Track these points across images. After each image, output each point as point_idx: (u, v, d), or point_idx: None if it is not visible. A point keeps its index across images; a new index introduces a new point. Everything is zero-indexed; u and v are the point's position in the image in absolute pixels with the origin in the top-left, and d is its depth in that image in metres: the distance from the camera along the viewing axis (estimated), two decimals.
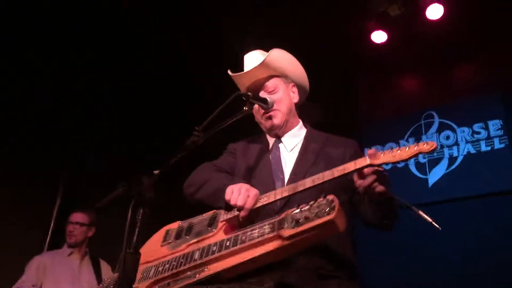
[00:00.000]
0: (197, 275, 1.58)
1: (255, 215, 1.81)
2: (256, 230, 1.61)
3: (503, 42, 4.98)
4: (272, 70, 2.27)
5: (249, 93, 2.08)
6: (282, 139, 2.27)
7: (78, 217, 4.25)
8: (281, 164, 2.15)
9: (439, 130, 5.03)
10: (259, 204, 1.81)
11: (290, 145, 2.24)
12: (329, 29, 5.08)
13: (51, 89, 4.62)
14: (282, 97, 2.27)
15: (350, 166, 1.71)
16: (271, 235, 1.54)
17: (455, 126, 4.96)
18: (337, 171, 1.72)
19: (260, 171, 2.16)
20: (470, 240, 4.30)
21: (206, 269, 1.59)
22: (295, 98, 2.35)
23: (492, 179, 4.49)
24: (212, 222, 1.84)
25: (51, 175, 4.65)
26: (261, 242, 1.56)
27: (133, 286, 1.62)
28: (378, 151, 1.74)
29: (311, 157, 2.14)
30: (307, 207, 1.53)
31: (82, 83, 4.86)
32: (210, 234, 1.78)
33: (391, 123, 5.40)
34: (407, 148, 1.67)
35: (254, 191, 1.83)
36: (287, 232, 1.50)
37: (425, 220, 2.03)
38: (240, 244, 1.59)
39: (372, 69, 5.70)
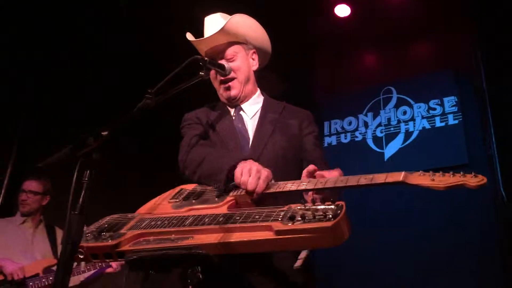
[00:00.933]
0: (179, 241, 1.53)
1: (266, 197, 1.74)
2: (253, 214, 1.53)
3: (460, 21, 5.10)
4: (233, 36, 2.23)
5: (206, 58, 2.04)
6: (243, 106, 2.25)
7: (31, 185, 4.09)
8: (246, 129, 2.16)
9: (397, 105, 5.14)
10: (271, 190, 1.72)
11: (251, 112, 2.24)
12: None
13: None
14: (241, 65, 2.23)
15: (380, 178, 1.56)
16: (263, 224, 1.46)
17: (412, 102, 5.08)
18: (364, 179, 1.58)
19: (229, 138, 2.13)
20: (424, 212, 4.45)
21: (190, 238, 1.54)
22: (255, 65, 2.32)
23: (445, 154, 4.64)
24: (222, 194, 1.79)
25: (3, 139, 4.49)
26: (251, 228, 1.48)
27: (121, 231, 1.64)
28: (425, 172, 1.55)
29: (269, 127, 2.14)
30: (312, 207, 1.43)
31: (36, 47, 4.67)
32: (214, 205, 1.73)
33: (350, 97, 5.47)
34: (451, 176, 1.47)
35: (265, 173, 1.73)
36: (278, 226, 1.41)
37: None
38: (230, 224, 1.53)
39: (334, 43, 5.72)
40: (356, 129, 5.26)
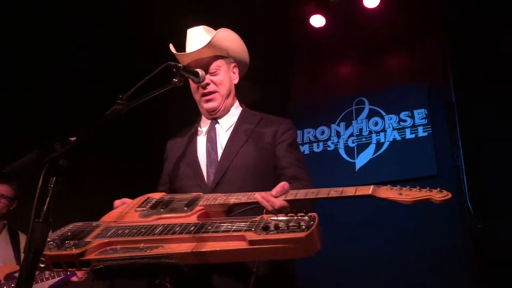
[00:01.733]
0: (148, 251, 1.51)
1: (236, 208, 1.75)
2: (225, 224, 1.53)
3: (432, 35, 5.23)
4: (217, 50, 2.23)
5: (180, 65, 2.03)
6: (219, 120, 2.26)
7: (2, 189, 3.98)
8: (216, 145, 2.16)
9: (369, 116, 5.21)
10: (234, 201, 1.72)
11: (226, 125, 2.24)
12: (268, 9, 5.07)
13: None
14: (223, 79, 2.24)
15: (350, 191, 1.59)
16: (236, 233, 1.46)
17: (383, 113, 5.15)
18: (334, 192, 1.61)
19: (189, 156, 2.17)
20: (389, 225, 4.51)
21: (160, 247, 1.52)
22: (235, 79, 2.33)
23: (414, 165, 4.72)
24: (191, 204, 1.78)
25: None
26: (224, 237, 1.48)
27: (86, 240, 1.61)
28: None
29: (243, 137, 2.15)
30: (285, 218, 1.44)
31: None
32: (183, 215, 1.72)
33: (323, 107, 5.52)
34: (418, 190, 1.53)
35: None
36: (251, 236, 1.41)
37: None
38: (203, 233, 1.51)
39: (308, 53, 5.78)
40: (329, 139, 5.31)
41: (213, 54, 2.23)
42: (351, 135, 5.20)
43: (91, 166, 4.67)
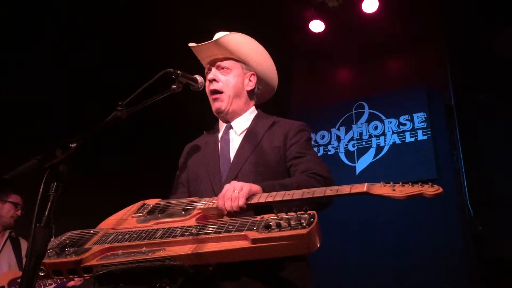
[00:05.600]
0: (151, 254, 1.54)
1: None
2: (226, 225, 1.55)
3: (430, 38, 5.25)
4: (229, 52, 2.25)
5: (178, 71, 2.05)
6: (232, 123, 2.27)
7: (18, 198, 4.03)
8: (229, 150, 2.17)
9: (369, 120, 5.23)
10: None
11: (239, 129, 2.25)
12: (268, 14, 5.11)
13: None
14: (232, 80, 2.24)
15: (345, 189, 1.62)
16: (238, 233, 1.49)
17: (383, 117, 5.17)
18: (330, 190, 1.64)
19: (205, 160, 2.18)
20: (389, 226, 4.52)
21: (162, 250, 1.54)
22: (250, 86, 2.31)
23: (414, 168, 4.73)
24: (189, 208, 1.80)
25: None
26: (225, 238, 1.50)
27: (86, 247, 1.63)
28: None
29: (254, 141, 2.15)
30: (285, 216, 1.48)
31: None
32: (181, 218, 1.74)
33: (323, 111, 5.54)
34: (410, 186, 1.56)
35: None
36: (254, 234, 1.44)
37: None
38: (205, 235, 1.54)
39: (307, 58, 5.81)
40: (329, 143, 5.33)
41: (228, 56, 2.26)
42: (351, 139, 5.22)
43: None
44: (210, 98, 2.27)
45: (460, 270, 4.15)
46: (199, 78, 2.19)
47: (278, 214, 1.50)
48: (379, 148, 5.04)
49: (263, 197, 1.71)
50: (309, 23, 5.51)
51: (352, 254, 4.56)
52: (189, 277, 1.52)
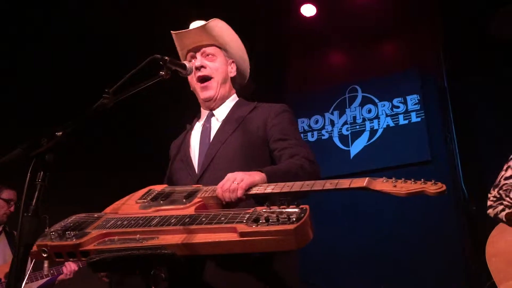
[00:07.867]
0: (144, 242, 1.54)
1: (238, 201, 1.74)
2: (219, 216, 1.54)
3: (425, 22, 5.22)
4: (213, 39, 2.23)
5: (166, 58, 2.02)
6: (215, 111, 2.25)
7: (12, 194, 4.02)
8: (210, 136, 2.15)
9: (362, 104, 5.22)
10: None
11: (221, 116, 2.23)
12: (258, 0, 5.06)
13: None
14: (219, 66, 2.22)
15: (345, 183, 1.58)
16: (227, 225, 1.48)
17: (376, 100, 5.17)
18: (330, 184, 1.60)
19: (183, 150, 2.18)
20: (382, 209, 4.54)
21: (155, 239, 1.55)
22: (232, 72, 2.30)
23: (408, 151, 4.75)
24: (191, 196, 1.78)
25: None
26: (216, 229, 1.49)
27: (87, 231, 1.64)
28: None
29: (233, 125, 2.13)
30: (277, 210, 1.45)
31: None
32: (181, 206, 1.73)
33: (317, 96, 5.53)
34: (412, 182, 1.50)
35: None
36: (241, 227, 1.43)
37: None
38: (196, 225, 1.53)
39: (300, 42, 5.77)
40: (323, 128, 5.33)
41: (212, 43, 2.23)
42: (345, 123, 5.22)
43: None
44: (198, 86, 2.24)
45: (454, 249, 4.19)
46: (188, 64, 2.15)
47: (271, 207, 1.49)
48: (373, 131, 5.04)
49: (262, 189, 1.69)
50: (300, 8, 5.46)
51: (342, 239, 4.59)
52: (181, 265, 1.52)
